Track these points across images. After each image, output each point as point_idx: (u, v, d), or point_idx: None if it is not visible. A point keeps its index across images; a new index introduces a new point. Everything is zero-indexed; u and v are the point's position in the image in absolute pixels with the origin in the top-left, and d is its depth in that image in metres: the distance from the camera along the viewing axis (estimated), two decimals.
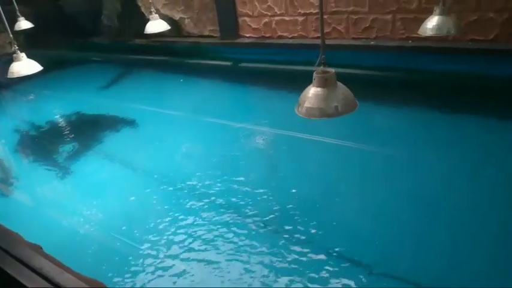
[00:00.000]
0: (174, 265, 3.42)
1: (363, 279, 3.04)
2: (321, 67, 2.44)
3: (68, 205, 4.60)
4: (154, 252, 3.56)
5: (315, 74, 2.46)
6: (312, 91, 2.47)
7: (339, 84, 2.47)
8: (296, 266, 3.23)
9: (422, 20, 5.26)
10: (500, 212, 3.51)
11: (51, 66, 4.92)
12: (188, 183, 4.55)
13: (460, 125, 4.95)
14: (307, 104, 2.46)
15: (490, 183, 3.87)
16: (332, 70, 2.44)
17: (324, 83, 2.42)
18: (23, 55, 4.71)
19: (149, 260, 3.49)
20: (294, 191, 4.14)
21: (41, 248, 1.25)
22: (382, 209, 3.79)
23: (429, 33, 3.83)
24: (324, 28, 2.50)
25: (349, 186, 4.27)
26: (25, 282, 0.99)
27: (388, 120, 5.37)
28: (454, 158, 4.33)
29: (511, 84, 5.15)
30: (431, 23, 3.82)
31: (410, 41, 6.07)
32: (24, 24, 7.24)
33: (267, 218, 3.81)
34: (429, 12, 5.40)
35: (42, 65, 4.67)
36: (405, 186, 4.05)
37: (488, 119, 4.87)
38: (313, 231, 3.57)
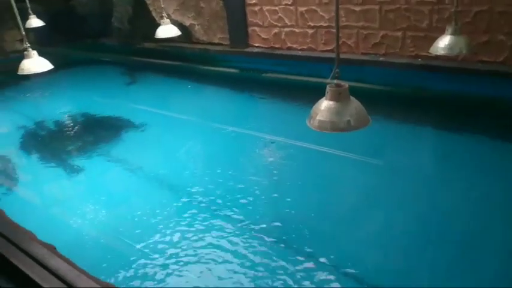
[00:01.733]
0: (175, 268, 3.40)
1: None
2: (335, 81, 2.44)
3: (72, 205, 4.58)
4: (156, 255, 3.55)
5: (328, 87, 2.46)
6: (325, 104, 2.46)
7: (352, 98, 2.47)
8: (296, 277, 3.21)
9: (432, 39, 5.29)
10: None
11: (60, 65, 4.94)
12: (191, 188, 4.55)
13: (465, 144, 4.95)
14: (319, 117, 2.45)
15: (493, 203, 3.86)
16: (346, 84, 2.45)
17: (337, 97, 2.42)
18: (34, 52, 4.73)
19: (150, 262, 3.47)
20: (295, 200, 4.14)
21: (55, 248, 1.24)
22: (385, 224, 3.77)
23: (441, 52, 3.84)
24: (338, 42, 2.51)
25: (351, 199, 4.27)
26: (41, 283, 0.98)
27: (393, 135, 5.37)
28: (456, 176, 4.34)
29: None
30: (443, 42, 3.83)
31: (419, 59, 6.09)
32: (35, 22, 7.30)
33: (266, 226, 3.79)
34: (440, 32, 5.46)
35: (51, 64, 4.71)
36: (409, 202, 4.04)
37: (495, 140, 4.88)
38: (309, 243, 3.56)
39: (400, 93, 6.09)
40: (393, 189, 4.33)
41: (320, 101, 2.51)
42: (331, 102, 2.44)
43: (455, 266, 3.27)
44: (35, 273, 1.02)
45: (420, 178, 4.43)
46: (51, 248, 1.19)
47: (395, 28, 6.22)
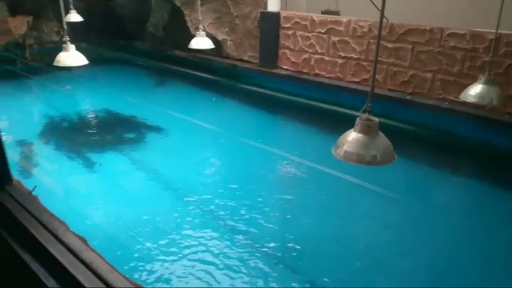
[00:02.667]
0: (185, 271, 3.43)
1: None
2: (366, 114, 2.46)
3: (88, 199, 4.65)
4: (163, 257, 3.58)
5: (358, 120, 2.48)
6: (353, 136, 2.48)
7: (381, 133, 2.49)
8: None
9: (461, 84, 5.32)
10: None
11: (92, 61, 5.08)
12: (204, 196, 4.59)
13: (483, 194, 4.90)
14: (346, 148, 2.47)
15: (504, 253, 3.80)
16: (376, 119, 2.47)
17: (367, 130, 2.44)
18: (72, 46, 4.85)
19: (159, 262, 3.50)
20: (308, 224, 4.13)
21: (86, 241, 1.27)
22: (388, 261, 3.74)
23: (471, 99, 3.84)
24: (375, 76, 2.55)
25: (362, 229, 4.26)
26: (76, 274, 1.01)
27: (411, 174, 5.35)
28: (473, 225, 4.29)
29: None
30: (475, 90, 3.83)
31: (446, 103, 6.08)
32: (74, 17, 7.52)
33: (273, 245, 3.79)
34: (470, 78, 5.49)
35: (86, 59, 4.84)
36: (426, 242, 4.01)
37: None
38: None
39: (423, 134, 6.07)
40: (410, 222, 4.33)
41: (348, 131, 2.53)
42: (359, 135, 2.46)
43: None
44: (70, 264, 1.05)
45: (434, 216, 4.42)
46: (83, 240, 1.23)
47: (425, 69, 6.24)
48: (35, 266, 1.11)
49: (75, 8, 7.47)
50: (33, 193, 1.65)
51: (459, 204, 4.76)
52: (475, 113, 5.70)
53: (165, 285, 3.35)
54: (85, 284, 0.97)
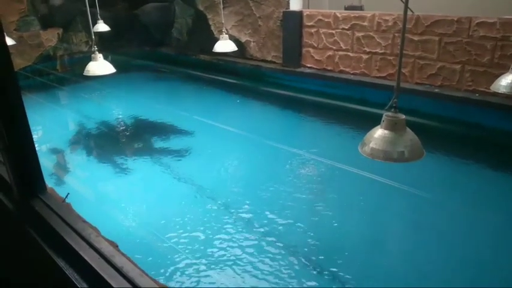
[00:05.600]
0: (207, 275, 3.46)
1: None
2: (392, 110, 2.43)
3: (118, 203, 4.77)
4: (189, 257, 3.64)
5: (384, 116, 2.44)
6: (379, 133, 2.45)
7: (408, 130, 2.45)
8: None
9: (492, 75, 5.15)
10: None
11: (119, 69, 5.22)
12: (228, 199, 4.62)
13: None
14: (372, 145, 2.44)
15: None
16: (402, 116, 2.42)
17: (393, 127, 2.40)
18: (100, 56, 5.01)
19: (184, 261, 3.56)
20: (335, 224, 4.10)
21: (117, 246, 1.32)
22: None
23: (502, 90, 3.71)
24: (400, 71, 2.50)
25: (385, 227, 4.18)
26: (107, 279, 1.05)
27: (440, 169, 5.21)
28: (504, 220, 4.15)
29: None
30: (506, 81, 3.70)
31: (476, 94, 5.90)
32: (102, 26, 7.75)
33: (300, 249, 3.78)
34: (501, 68, 5.31)
35: (114, 68, 4.97)
36: (453, 241, 3.90)
37: None
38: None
39: (454, 128, 5.91)
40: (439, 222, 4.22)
41: (375, 128, 2.50)
42: (386, 131, 2.42)
43: None
44: (102, 269, 1.09)
45: (463, 215, 4.29)
46: (115, 245, 1.27)
47: (454, 61, 6.08)
48: (70, 272, 1.15)
49: (102, 18, 7.69)
50: (66, 200, 1.71)
51: (493, 199, 4.60)
52: (507, 103, 5.50)
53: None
54: (115, 286, 1.01)
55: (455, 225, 4.17)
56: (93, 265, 1.12)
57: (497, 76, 3.90)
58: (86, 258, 1.15)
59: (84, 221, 1.44)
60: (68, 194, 1.74)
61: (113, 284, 1.04)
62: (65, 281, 1.14)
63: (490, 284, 3.38)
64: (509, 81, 3.69)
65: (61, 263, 1.20)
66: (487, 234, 4.00)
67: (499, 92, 3.77)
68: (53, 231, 1.32)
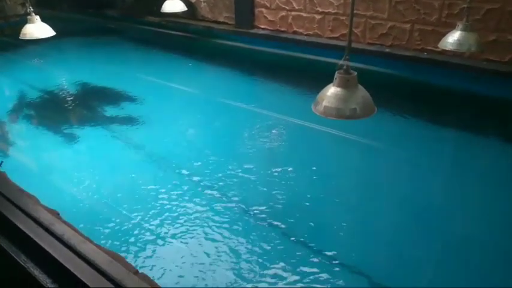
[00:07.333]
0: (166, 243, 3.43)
1: None
2: (343, 68, 2.42)
3: (67, 173, 4.57)
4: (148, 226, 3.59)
5: (337, 74, 2.43)
6: (332, 90, 2.44)
7: (360, 87, 2.45)
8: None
9: (440, 33, 5.27)
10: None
11: (61, 31, 4.89)
12: (188, 163, 4.56)
13: (463, 143, 4.98)
14: (325, 103, 2.44)
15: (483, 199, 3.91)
16: (354, 73, 2.42)
17: (345, 84, 2.40)
18: (37, 18, 4.67)
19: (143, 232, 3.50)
20: (292, 182, 4.16)
21: (58, 213, 1.23)
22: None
23: (449, 47, 3.82)
24: (351, 29, 2.48)
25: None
26: (47, 248, 0.97)
27: (391, 125, 5.37)
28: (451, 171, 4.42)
29: None
30: (453, 38, 3.81)
31: (425, 53, 6.05)
32: None
33: (262, 208, 3.82)
34: (448, 27, 5.43)
35: (53, 30, 4.64)
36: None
37: (493, 140, 4.90)
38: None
39: (403, 86, 6.07)
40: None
41: (327, 87, 2.49)
42: (338, 89, 2.42)
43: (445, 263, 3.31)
44: (41, 238, 1.01)
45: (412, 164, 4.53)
46: (55, 214, 1.19)
47: (403, 20, 6.16)
48: (6, 244, 1.06)
49: None
50: (0, 169, 1.58)
51: (434, 145, 4.84)
52: (453, 61, 5.68)
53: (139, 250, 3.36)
54: (55, 256, 0.94)
55: (400, 170, 4.44)
56: (31, 235, 1.04)
57: (444, 35, 4.00)
58: (22, 227, 1.07)
59: (21, 190, 1.33)
60: (2, 162, 1.61)
61: (51, 252, 0.97)
62: (0, 254, 1.06)
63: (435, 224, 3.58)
64: (456, 39, 3.80)
65: None
66: (432, 178, 4.29)
67: (446, 48, 3.88)
68: None
